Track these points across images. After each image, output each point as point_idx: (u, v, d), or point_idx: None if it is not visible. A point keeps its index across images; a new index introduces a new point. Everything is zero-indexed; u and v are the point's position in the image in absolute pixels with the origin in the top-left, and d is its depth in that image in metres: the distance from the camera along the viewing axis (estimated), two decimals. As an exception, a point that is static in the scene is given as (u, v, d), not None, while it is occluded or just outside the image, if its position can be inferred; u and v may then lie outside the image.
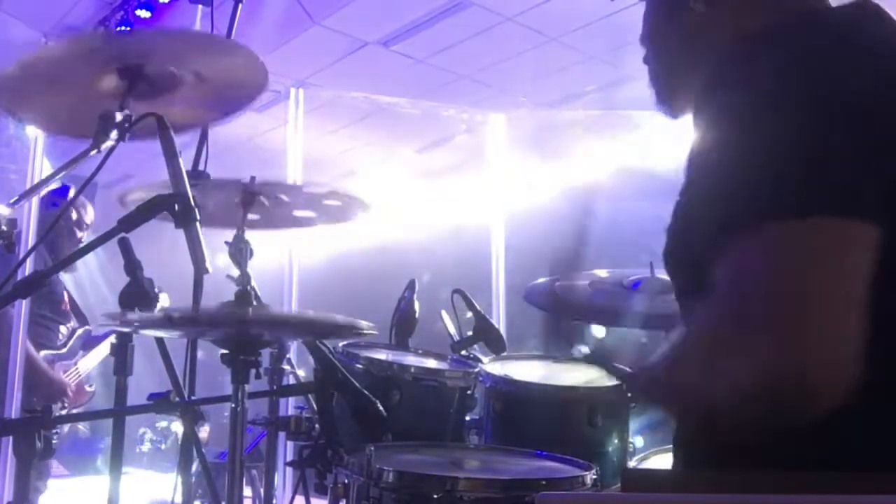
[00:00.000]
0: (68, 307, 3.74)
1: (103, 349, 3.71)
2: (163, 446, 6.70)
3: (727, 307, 0.84)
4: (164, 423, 6.62)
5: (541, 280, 2.18)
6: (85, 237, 3.75)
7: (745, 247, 0.83)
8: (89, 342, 3.78)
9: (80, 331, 3.77)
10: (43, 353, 3.57)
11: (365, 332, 1.55)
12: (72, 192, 3.43)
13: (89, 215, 3.79)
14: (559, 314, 2.05)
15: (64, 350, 3.68)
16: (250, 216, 1.79)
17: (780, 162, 0.84)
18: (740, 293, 0.83)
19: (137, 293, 1.72)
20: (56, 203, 3.47)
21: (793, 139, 0.85)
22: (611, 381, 1.95)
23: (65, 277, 3.87)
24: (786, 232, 0.81)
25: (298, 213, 1.95)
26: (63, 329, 3.71)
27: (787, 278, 0.80)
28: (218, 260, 1.58)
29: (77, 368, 3.69)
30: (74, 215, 3.68)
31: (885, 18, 1.03)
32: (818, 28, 1.01)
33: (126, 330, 1.76)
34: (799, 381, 0.80)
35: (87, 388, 3.77)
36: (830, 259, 0.80)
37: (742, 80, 0.95)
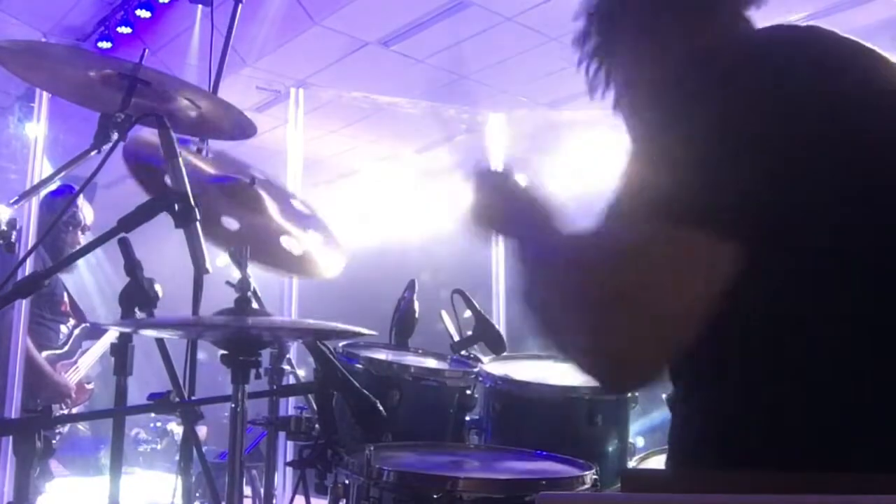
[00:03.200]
0: (68, 307, 3.75)
1: (102, 345, 3.72)
2: (158, 446, 6.70)
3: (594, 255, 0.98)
4: (158, 423, 6.62)
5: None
6: (84, 239, 3.75)
7: (632, 232, 0.95)
8: (92, 334, 3.79)
9: (77, 330, 3.77)
10: (44, 353, 3.57)
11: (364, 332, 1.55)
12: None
13: (89, 216, 3.79)
14: None
15: (65, 349, 3.68)
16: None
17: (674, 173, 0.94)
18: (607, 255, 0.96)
19: (137, 293, 1.72)
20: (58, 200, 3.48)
21: (687, 156, 0.94)
22: None
23: (66, 279, 3.87)
24: (654, 234, 0.92)
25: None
26: (63, 329, 3.72)
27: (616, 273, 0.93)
28: (218, 260, 1.58)
29: (77, 367, 3.69)
30: (76, 219, 3.68)
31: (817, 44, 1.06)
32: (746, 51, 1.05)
33: (126, 330, 1.76)
34: (598, 365, 0.97)
35: (87, 386, 3.77)
36: (676, 263, 0.91)
37: (684, 91, 1.01)
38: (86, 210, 3.75)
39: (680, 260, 0.91)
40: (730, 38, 1.12)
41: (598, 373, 0.99)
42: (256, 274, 1.75)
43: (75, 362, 3.69)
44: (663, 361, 0.97)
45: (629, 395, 1.88)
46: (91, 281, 6.82)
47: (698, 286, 0.92)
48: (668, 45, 1.16)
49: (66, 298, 3.74)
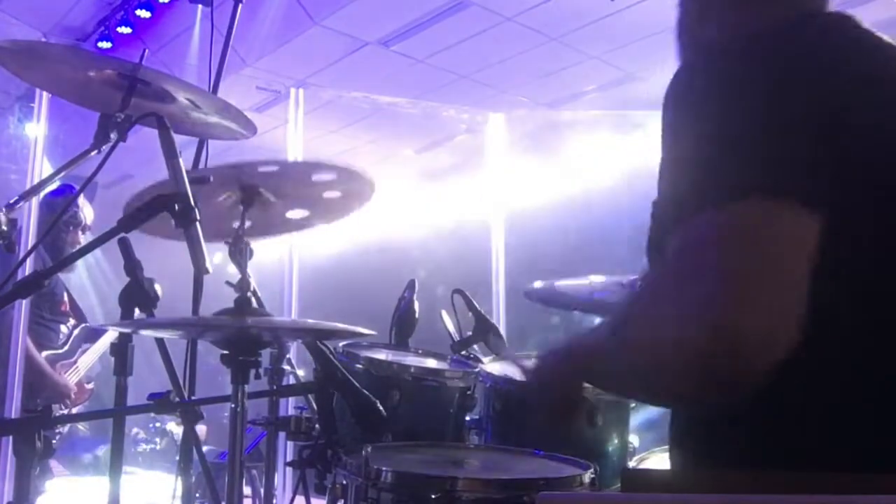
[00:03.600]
0: (68, 307, 3.74)
1: (102, 345, 3.72)
2: (158, 446, 6.70)
3: (670, 275, 0.90)
4: (157, 423, 6.62)
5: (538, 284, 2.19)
6: (84, 238, 3.75)
7: (691, 226, 0.88)
8: (91, 337, 3.79)
9: (77, 330, 3.77)
10: (44, 354, 3.57)
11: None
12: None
13: (89, 216, 3.79)
14: (559, 308, 2.07)
15: (65, 349, 3.68)
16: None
17: (729, 148, 0.89)
18: (681, 265, 0.89)
19: (137, 293, 1.72)
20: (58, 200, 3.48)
21: (743, 129, 0.90)
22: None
23: (66, 278, 3.87)
24: (726, 212, 0.86)
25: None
26: (63, 329, 3.72)
27: (721, 254, 0.85)
28: (216, 259, 1.58)
29: (77, 367, 3.69)
30: (76, 219, 3.68)
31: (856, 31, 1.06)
32: (796, 37, 1.03)
33: (126, 330, 1.76)
34: (727, 344, 0.83)
35: (87, 386, 3.77)
36: (761, 238, 0.85)
37: (715, 75, 0.98)
38: (86, 210, 3.75)
39: (785, 236, 0.85)
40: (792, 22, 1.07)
41: (735, 357, 0.84)
42: (256, 274, 1.75)
43: (75, 362, 3.69)
44: (791, 340, 0.84)
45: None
46: (90, 281, 6.82)
47: (790, 251, 0.85)
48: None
49: (66, 298, 3.74)
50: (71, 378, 3.64)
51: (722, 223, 0.86)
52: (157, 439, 6.71)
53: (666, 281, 0.91)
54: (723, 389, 0.85)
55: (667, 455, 1.12)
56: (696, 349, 0.83)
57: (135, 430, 6.65)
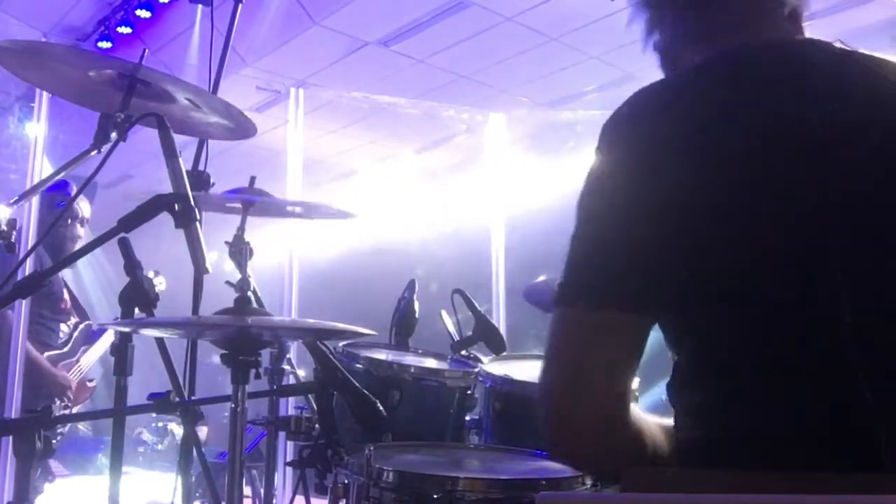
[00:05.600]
0: (69, 305, 3.74)
1: (103, 344, 3.72)
2: (160, 446, 6.70)
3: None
4: (160, 423, 6.63)
5: (541, 279, 2.18)
6: (83, 232, 3.76)
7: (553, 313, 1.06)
8: (91, 337, 3.79)
9: (81, 325, 3.77)
10: (46, 354, 3.57)
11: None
12: (72, 188, 3.45)
13: (86, 209, 3.79)
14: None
15: (66, 349, 3.68)
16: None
17: (576, 245, 1.05)
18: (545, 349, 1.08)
19: (137, 293, 1.72)
20: (61, 203, 3.48)
21: (586, 227, 1.05)
22: None
23: (66, 274, 3.87)
24: (561, 314, 1.05)
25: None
26: (64, 327, 3.71)
27: (554, 348, 1.05)
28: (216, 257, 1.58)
29: (79, 365, 3.69)
30: (74, 212, 3.68)
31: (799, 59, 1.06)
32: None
33: (126, 330, 1.76)
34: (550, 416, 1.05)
35: (88, 384, 3.77)
36: (584, 338, 1.03)
37: (602, 143, 1.08)
38: (82, 203, 3.75)
39: (601, 343, 1.02)
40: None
41: (582, 462, 1.15)
42: (256, 274, 1.75)
43: (77, 361, 3.69)
44: (621, 421, 1.05)
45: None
46: (89, 281, 6.83)
47: (622, 355, 1.03)
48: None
49: (66, 296, 3.74)
50: (73, 377, 3.64)
51: (556, 325, 1.04)
52: (160, 439, 6.72)
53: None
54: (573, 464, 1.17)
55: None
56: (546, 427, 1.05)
57: (138, 430, 6.65)
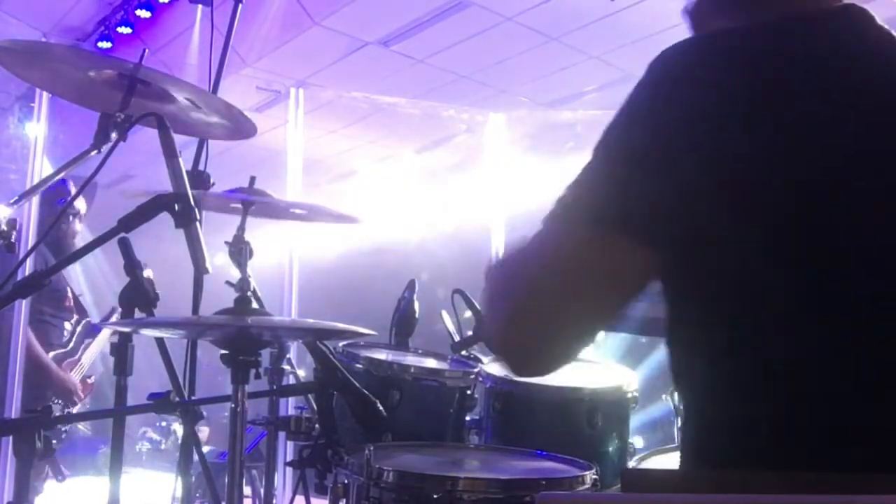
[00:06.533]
0: (72, 303, 3.74)
1: (103, 339, 3.72)
2: (162, 446, 6.70)
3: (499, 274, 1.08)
4: (163, 423, 6.63)
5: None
6: (81, 228, 3.77)
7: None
8: (91, 333, 3.79)
9: (83, 323, 3.77)
10: (51, 353, 3.58)
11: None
12: (70, 185, 3.46)
13: (82, 205, 3.80)
14: None
15: (69, 347, 3.68)
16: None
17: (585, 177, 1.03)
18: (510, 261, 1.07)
19: (137, 293, 1.72)
20: (60, 200, 3.49)
21: (603, 159, 1.02)
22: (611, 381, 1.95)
23: (72, 270, 3.87)
24: (560, 228, 1.00)
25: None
26: (67, 325, 3.71)
27: (547, 254, 1.00)
28: (217, 259, 1.58)
29: (82, 364, 3.69)
30: (73, 208, 3.69)
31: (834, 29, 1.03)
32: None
33: (126, 330, 1.76)
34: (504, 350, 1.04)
35: (88, 381, 3.77)
36: (585, 255, 0.97)
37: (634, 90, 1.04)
38: (78, 199, 3.76)
39: (593, 262, 0.96)
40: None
41: (507, 358, 1.05)
42: (256, 274, 1.75)
43: (79, 359, 3.70)
44: (569, 353, 1.02)
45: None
46: (89, 281, 6.83)
47: (608, 288, 0.98)
48: None
49: (69, 293, 3.74)
50: (76, 375, 3.64)
51: (552, 235, 0.99)
52: (163, 439, 6.72)
53: (497, 276, 1.07)
54: (515, 372, 1.07)
55: (667, 455, 1.13)
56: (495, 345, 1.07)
57: (142, 429, 6.66)
